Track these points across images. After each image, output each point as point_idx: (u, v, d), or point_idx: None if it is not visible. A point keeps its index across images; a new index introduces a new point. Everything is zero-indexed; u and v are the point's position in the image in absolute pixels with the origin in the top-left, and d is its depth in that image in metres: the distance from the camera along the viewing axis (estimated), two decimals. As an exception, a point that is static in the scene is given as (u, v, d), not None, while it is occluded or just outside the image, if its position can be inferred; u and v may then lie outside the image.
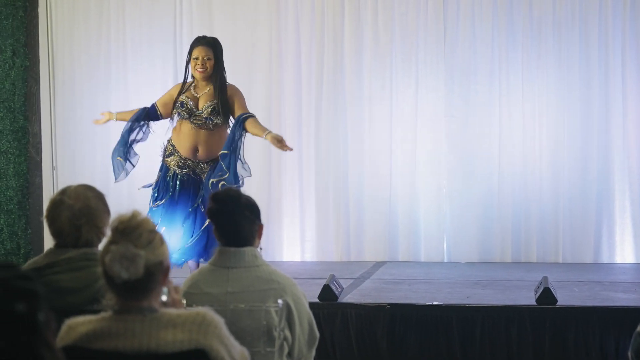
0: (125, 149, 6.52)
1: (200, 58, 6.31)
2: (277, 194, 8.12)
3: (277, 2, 8.15)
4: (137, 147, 6.52)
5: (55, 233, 3.42)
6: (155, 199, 6.45)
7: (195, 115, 6.31)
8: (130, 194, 8.13)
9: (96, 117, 6.72)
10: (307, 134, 8.11)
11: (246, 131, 6.24)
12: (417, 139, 8.01)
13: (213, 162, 6.33)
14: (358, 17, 8.04)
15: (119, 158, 6.52)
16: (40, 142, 8.27)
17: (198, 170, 6.38)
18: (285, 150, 6.26)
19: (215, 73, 6.33)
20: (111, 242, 2.63)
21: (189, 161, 6.37)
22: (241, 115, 6.25)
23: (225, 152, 6.19)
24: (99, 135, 8.19)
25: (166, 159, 6.44)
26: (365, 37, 8.03)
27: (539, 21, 7.85)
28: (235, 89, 6.42)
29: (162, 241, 2.67)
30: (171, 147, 6.44)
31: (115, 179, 6.59)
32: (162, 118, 6.50)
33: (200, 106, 6.32)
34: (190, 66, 6.37)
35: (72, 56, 8.36)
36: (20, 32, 8.11)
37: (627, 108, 7.79)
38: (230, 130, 6.29)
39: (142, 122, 6.51)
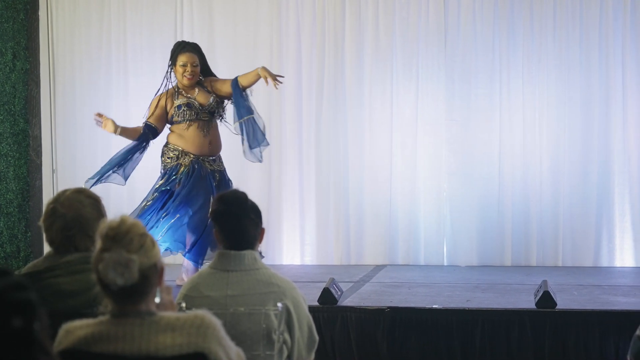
0: (123, 164, 6.60)
1: (189, 65, 6.43)
2: (277, 197, 8.12)
3: (277, 8, 8.15)
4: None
5: (49, 241, 3.45)
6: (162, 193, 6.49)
7: (204, 112, 6.42)
8: (130, 196, 8.14)
9: (97, 116, 6.61)
10: (307, 138, 8.11)
11: (244, 88, 6.42)
12: (417, 143, 8.01)
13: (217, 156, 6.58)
14: (359, 21, 8.04)
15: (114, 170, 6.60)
16: (40, 145, 8.27)
17: (207, 166, 6.50)
18: (278, 82, 6.42)
19: (200, 77, 6.53)
20: (103, 250, 2.60)
21: (200, 158, 6.46)
22: (232, 80, 6.44)
23: (244, 119, 6.40)
24: (100, 138, 8.19)
25: (178, 161, 6.49)
26: (365, 42, 8.03)
27: (540, 25, 7.85)
28: (208, 78, 6.59)
29: (153, 243, 2.67)
30: (178, 151, 6.49)
31: (91, 183, 6.53)
32: (159, 133, 6.61)
33: (204, 103, 6.46)
34: (175, 72, 6.47)
35: (72, 59, 8.37)
36: (21, 35, 8.12)
37: (628, 112, 7.79)
38: (234, 101, 6.47)
39: (144, 144, 6.60)
